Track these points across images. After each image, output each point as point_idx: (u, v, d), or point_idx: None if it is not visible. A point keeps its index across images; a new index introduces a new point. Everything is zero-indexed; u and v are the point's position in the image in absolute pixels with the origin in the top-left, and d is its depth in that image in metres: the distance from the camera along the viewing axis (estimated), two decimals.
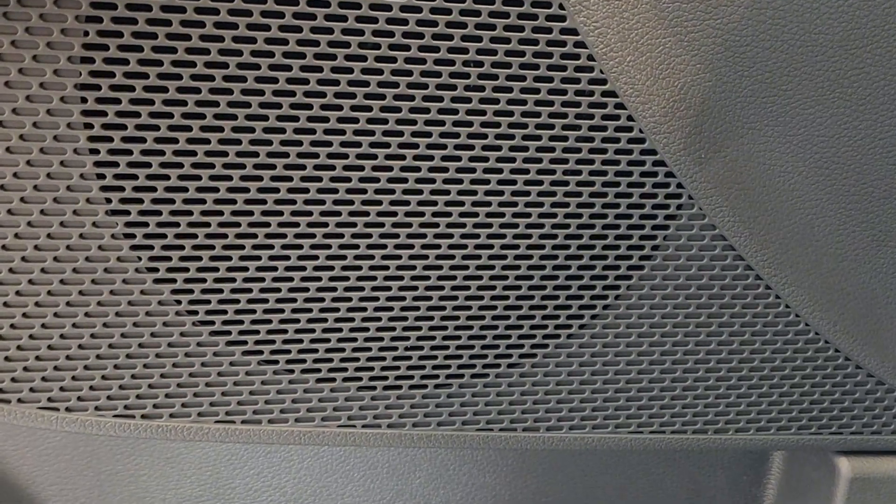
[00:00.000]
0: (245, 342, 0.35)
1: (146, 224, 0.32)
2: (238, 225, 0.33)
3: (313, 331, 0.35)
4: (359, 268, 0.34)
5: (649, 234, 0.35)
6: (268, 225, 0.33)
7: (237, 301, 0.34)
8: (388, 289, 0.35)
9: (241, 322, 0.35)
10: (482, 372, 0.37)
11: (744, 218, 0.35)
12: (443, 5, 0.31)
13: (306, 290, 0.34)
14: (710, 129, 0.33)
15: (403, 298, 0.35)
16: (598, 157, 0.34)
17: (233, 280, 0.34)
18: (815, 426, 0.40)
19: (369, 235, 0.34)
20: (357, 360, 0.36)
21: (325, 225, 0.33)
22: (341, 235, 0.34)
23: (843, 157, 0.34)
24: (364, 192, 0.33)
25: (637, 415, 0.39)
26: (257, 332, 0.35)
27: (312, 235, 0.33)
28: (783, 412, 0.40)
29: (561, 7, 0.31)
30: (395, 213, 0.34)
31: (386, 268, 0.35)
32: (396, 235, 0.34)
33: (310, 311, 0.35)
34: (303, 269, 0.34)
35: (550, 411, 0.38)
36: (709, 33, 0.32)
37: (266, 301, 0.34)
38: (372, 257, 0.34)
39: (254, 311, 0.34)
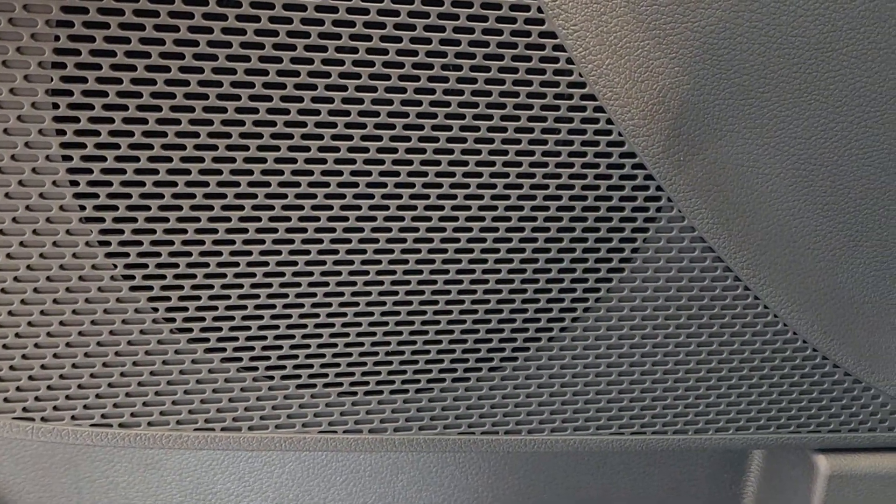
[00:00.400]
0: (224, 349, 0.35)
1: (121, 231, 0.32)
2: (215, 231, 0.32)
3: (293, 336, 0.35)
4: (338, 273, 0.34)
5: (629, 236, 0.36)
6: (245, 231, 0.33)
7: (215, 308, 0.34)
8: (368, 294, 0.35)
9: (220, 329, 0.34)
10: (463, 376, 0.37)
11: (722, 220, 0.35)
12: (420, 9, 0.30)
13: (285, 295, 0.34)
14: (688, 132, 0.33)
15: (383, 303, 0.35)
16: (577, 161, 0.34)
17: (210, 287, 0.33)
18: (793, 425, 0.41)
19: (348, 241, 0.34)
20: (337, 365, 0.36)
21: (304, 230, 0.33)
22: (320, 241, 0.33)
23: (820, 158, 0.35)
24: (343, 196, 0.33)
25: (618, 416, 0.39)
26: (236, 338, 0.35)
27: (291, 241, 0.33)
28: (762, 411, 0.40)
29: (539, 10, 0.31)
30: (374, 219, 0.33)
31: (365, 273, 0.34)
32: (376, 241, 0.34)
33: (289, 316, 0.34)
34: (281, 274, 0.34)
35: (532, 414, 0.38)
36: (687, 36, 0.32)
37: (245, 308, 0.34)
38: (351, 262, 0.34)
39: (232, 318, 0.34)
